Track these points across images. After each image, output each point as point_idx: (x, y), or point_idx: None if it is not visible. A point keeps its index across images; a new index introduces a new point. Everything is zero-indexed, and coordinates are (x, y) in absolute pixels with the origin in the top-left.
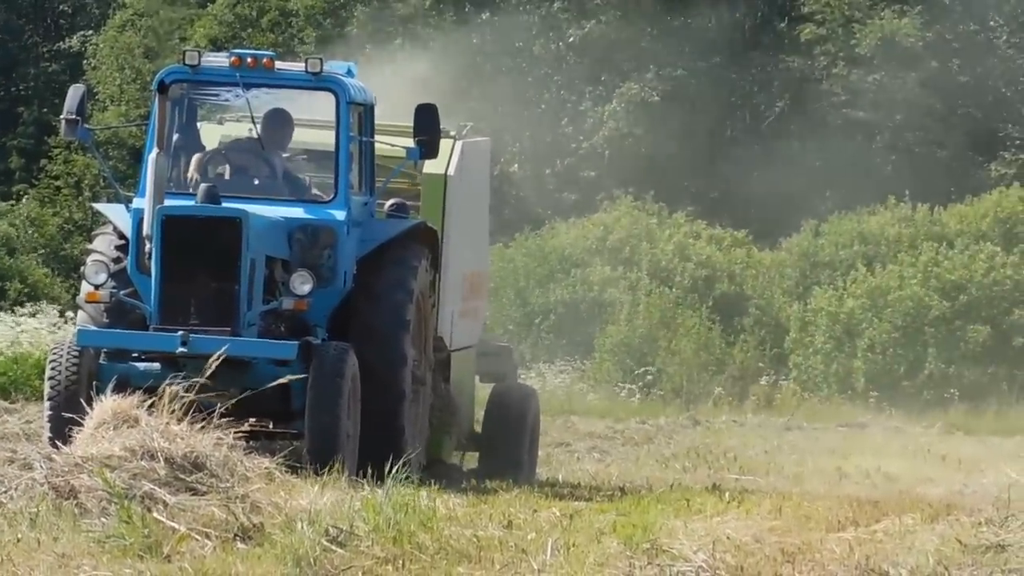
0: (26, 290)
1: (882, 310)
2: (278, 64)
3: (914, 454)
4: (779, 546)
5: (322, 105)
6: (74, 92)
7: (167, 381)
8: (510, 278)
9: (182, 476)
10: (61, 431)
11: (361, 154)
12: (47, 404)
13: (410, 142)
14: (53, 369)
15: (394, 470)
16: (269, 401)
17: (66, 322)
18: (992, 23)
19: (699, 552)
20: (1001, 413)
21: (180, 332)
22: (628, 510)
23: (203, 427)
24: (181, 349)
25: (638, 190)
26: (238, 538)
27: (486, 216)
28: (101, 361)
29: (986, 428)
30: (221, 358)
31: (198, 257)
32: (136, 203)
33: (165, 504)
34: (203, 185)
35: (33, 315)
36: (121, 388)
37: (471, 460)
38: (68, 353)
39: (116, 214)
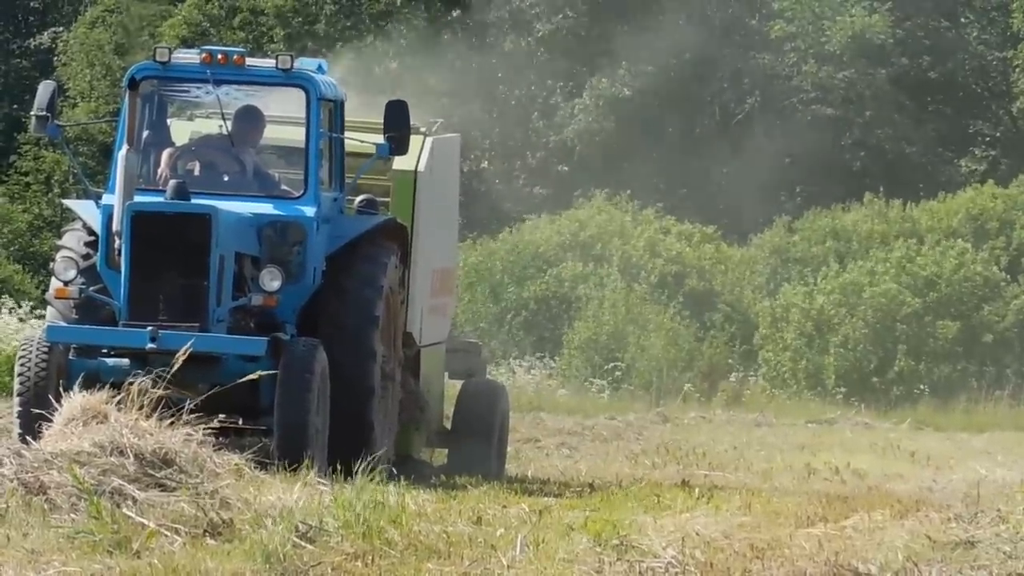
0: None
1: (855, 307)
2: (249, 61)
3: (883, 450)
4: (748, 542)
5: (293, 101)
6: (44, 88)
7: (133, 377)
8: (485, 274)
9: (151, 472)
10: (31, 427)
11: (331, 150)
12: (16, 400)
13: (380, 138)
14: (22, 365)
15: (363, 466)
16: (238, 397)
17: (22, 320)
18: (963, 20)
19: (668, 548)
20: (970, 409)
21: (149, 328)
22: (597, 506)
23: (172, 423)
24: (150, 345)
25: (608, 185)
26: (208, 534)
27: (455, 213)
28: (71, 357)
29: (955, 424)
30: (188, 353)
31: (167, 253)
32: (106, 199)
33: (134, 500)
34: (172, 181)
35: (9, 311)
36: (90, 384)
37: (440, 456)
38: (37, 349)
39: (86, 210)
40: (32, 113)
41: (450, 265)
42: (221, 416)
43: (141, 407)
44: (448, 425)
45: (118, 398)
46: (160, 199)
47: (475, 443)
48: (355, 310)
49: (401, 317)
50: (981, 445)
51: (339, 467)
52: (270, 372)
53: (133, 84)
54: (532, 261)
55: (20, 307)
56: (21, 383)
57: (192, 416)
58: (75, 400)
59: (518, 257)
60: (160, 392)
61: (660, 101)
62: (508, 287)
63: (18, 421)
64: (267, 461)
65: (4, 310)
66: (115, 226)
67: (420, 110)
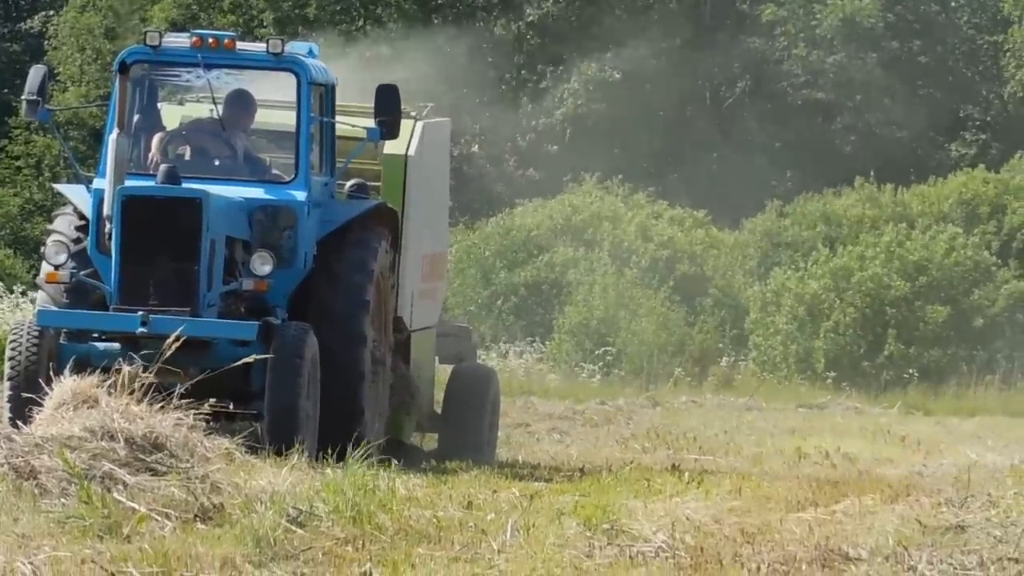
0: None
1: (844, 291)
2: (239, 45)
3: (873, 435)
4: (739, 526)
5: (283, 86)
6: (35, 73)
7: (123, 361)
8: (477, 258)
9: (142, 456)
10: (21, 411)
11: (322, 135)
12: (7, 384)
13: (371, 123)
14: (13, 350)
15: (354, 451)
16: (229, 381)
17: (14, 306)
18: (953, 3)
19: (659, 532)
20: (960, 394)
21: (140, 312)
22: (588, 491)
23: (163, 408)
24: (141, 329)
25: (598, 169)
26: (198, 518)
27: (446, 197)
28: (61, 341)
29: (945, 409)
30: (179, 339)
31: (158, 237)
32: (96, 184)
33: (125, 485)
34: (163, 166)
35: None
36: (81, 368)
37: (431, 441)
38: (28, 333)
39: (76, 194)
40: (23, 97)
41: (441, 250)
42: (212, 400)
43: (132, 391)
44: (439, 409)
45: (109, 382)
46: (151, 183)
47: (465, 428)
48: (345, 295)
49: (392, 302)
50: (971, 429)
51: (330, 452)
52: (262, 356)
53: (123, 68)
54: (523, 246)
55: (12, 292)
56: (12, 367)
57: (183, 400)
58: (66, 384)
59: (511, 241)
60: (151, 377)
61: (650, 85)
62: (500, 272)
63: (8, 405)
64: (258, 446)
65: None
66: (106, 210)
67: (410, 94)
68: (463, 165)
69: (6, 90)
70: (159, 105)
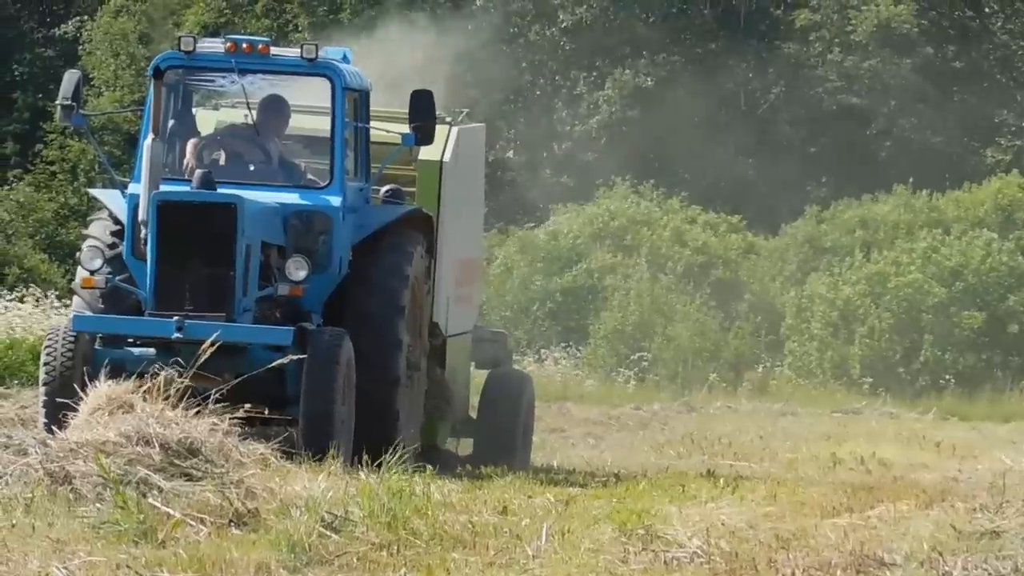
0: (23, 275)
1: (880, 297)
2: (273, 50)
3: (908, 440)
4: (773, 532)
5: (318, 91)
6: (69, 78)
7: (158, 366)
8: (518, 265)
9: (177, 462)
10: (56, 417)
11: (356, 140)
12: (42, 390)
13: (405, 128)
14: (48, 355)
15: (389, 456)
16: (264, 387)
17: (48, 309)
18: (987, 9)
19: (693, 538)
20: (995, 399)
21: (175, 318)
22: (623, 496)
23: (198, 413)
24: (176, 335)
25: (633, 176)
26: (233, 524)
27: (481, 203)
28: (96, 347)
29: (980, 414)
30: (215, 344)
31: (193, 243)
32: (132, 189)
33: (160, 490)
34: (198, 171)
35: (22, 300)
36: (116, 374)
37: (466, 446)
38: (63, 339)
39: (112, 200)
40: (57, 102)
41: (476, 255)
42: (247, 406)
43: (167, 397)
44: (474, 415)
45: (144, 388)
46: (186, 189)
47: (501, 433)
48: (381, 299)
49: (427, 307)
50: (1006, 435)
51: (365, 457)
52: (298, 357)
53: (158, 73)
54: (565, 252)
55: (47, 297)
56: (47, 372)
57: (218, 406)
58: (101, 390)
59: (555, 247)
60: (186, 382)
61: (684, 91)
62: (537, 280)
63: (44, 411)
64: (293, 451)
65: (29, 300)
66: (141, 215)
67: (445, 100)
68: (498, 170)
69: (41, 95)
70: (194, 110)
